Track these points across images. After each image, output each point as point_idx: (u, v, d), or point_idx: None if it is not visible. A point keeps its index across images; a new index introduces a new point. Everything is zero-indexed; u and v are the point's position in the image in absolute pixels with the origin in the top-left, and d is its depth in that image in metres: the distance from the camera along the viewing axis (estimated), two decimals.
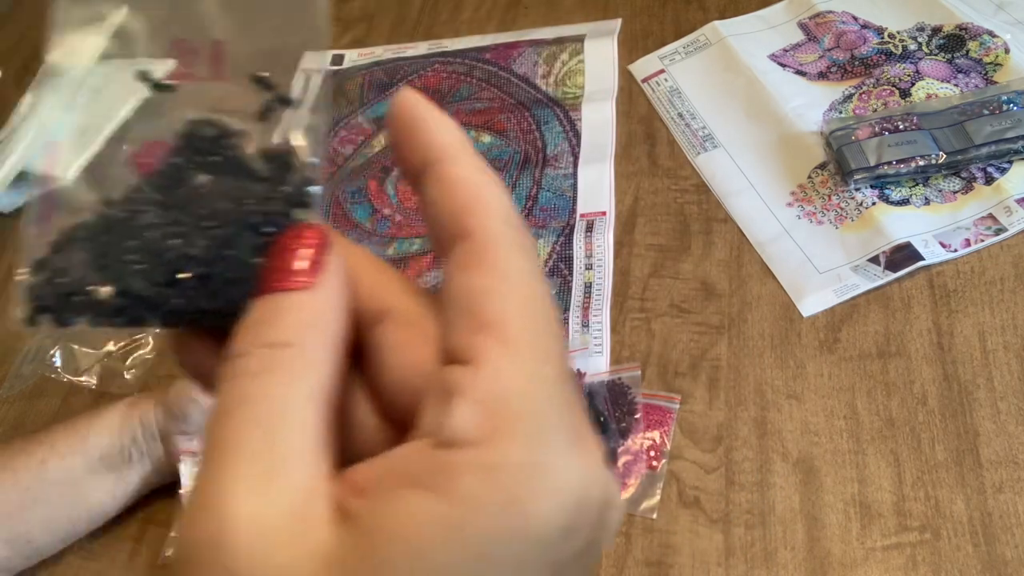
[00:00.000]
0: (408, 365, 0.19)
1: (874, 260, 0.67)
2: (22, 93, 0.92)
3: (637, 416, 0.62)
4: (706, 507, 0.58)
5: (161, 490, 0.63)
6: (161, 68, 0.22)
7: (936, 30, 0.81)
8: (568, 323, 0.68)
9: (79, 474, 0.59)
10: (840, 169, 0.72)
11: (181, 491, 0.60)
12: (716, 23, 0.87)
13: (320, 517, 0.16)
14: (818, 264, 0.68)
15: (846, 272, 0.67)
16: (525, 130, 0.83)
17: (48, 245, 0.20)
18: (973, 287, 0.64)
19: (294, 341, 0.18)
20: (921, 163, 0.69)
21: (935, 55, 0.79)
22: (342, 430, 0.19)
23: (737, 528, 0.57)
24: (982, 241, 0.66)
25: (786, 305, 0.66)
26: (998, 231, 0.67)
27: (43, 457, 0.58)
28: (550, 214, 0.76)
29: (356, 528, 0.16)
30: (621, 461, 0.60)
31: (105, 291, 0.19)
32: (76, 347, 0.73)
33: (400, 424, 0.19)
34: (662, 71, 0.85)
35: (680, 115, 0.81)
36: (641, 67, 0.86)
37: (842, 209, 0.70)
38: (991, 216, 0.68)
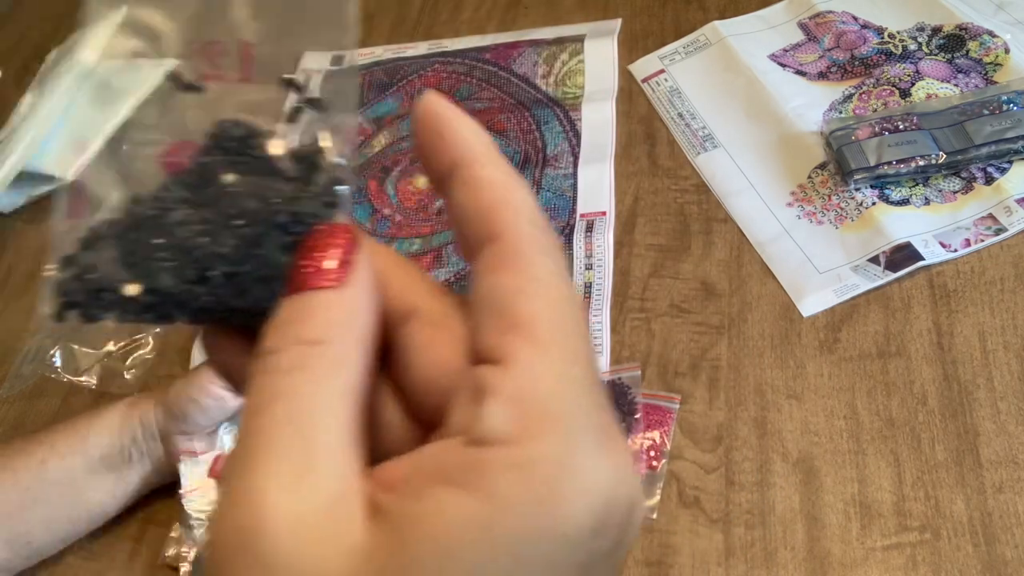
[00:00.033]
0: (435, 364, 0.19)
1: (874, 260, 0.67)
2: (22, 93, 0.92)
3: (637, 416, 0.62)
4: (706, 507, 0.58)
5: (161, 490, 0.63)
6: (189, 69, 0.22)
7: (936, 30, 0.81)
8: None
9: (79, 474, 0.59)
10: (840, 169, 0.72)
11: (181, 491, 0.60)
12: (716, 23, 0.87)
13: (353, 514, 0.16)
14: (818, 264, 0.68)
15: (846, 272, 0.67)
16: (525, 130, 0.83)
17: (77, 242, 0.20)
18: (973, 287, 0.64)
19: (325, 339, 0.18)
20: (921, 163, 0.69)
21: (935, 55, 0.79)
22: (369, 429, 0.19)
23: (737, 528, 0.57)
24: (982, 241, 0.66)
25: (786, 305, 0.66)
26: (998, 231, 0.67)
27: (43, 457, 0.58)
28: (550, 214, 0.76)
29: (387, 525, 0.16)
30: None
31: (134, 288, 0.19)
32: (76, 347, 0.73)
33: (425, 423, 0.19)
34: (662, 71, 0.85)
35: (680, 115, 0.81)
36: (641, 67, 0.86)
37: (842, 209, 0.70)
38: (991, 216, 0.68)
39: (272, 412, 0.17)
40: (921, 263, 0.65)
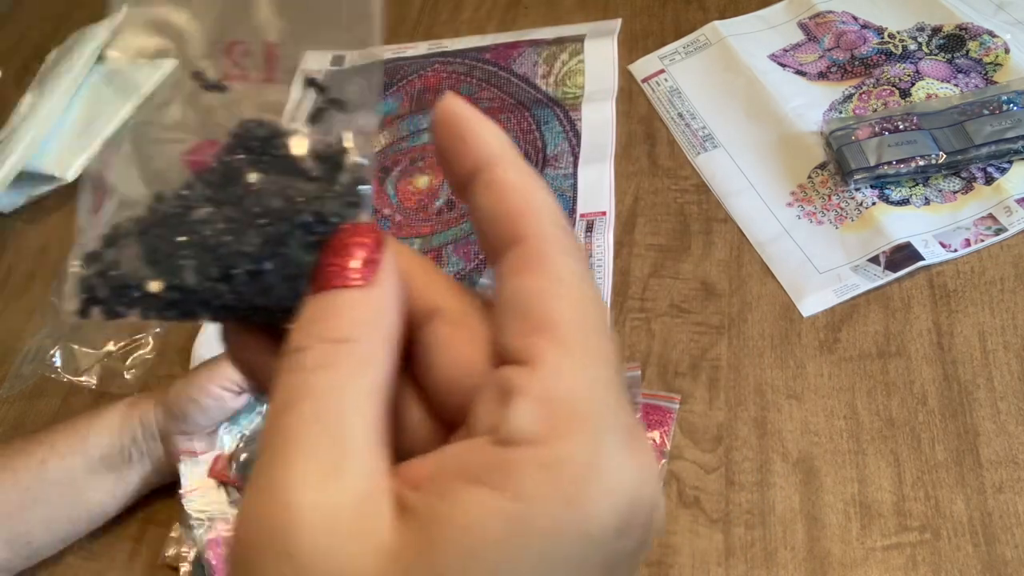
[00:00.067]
0: (458, 364, 0.19)
1: (874, 260, 0.67)
2: (22, 93, 0.92)
3: (637, 416, 0.62)
4: (706, 507, 0.58)
5: (161, 490, 0.63)
6: (213, 68, 0.22)
7: (936, 30, 0.81)
8: None
9: (79, 474, 0.59)
10: (840, 169, 0.72)
11: (181, 491, 0.60)
12: (716, 23, 0.87)
13: (382, 512, 0.16)
14: (818, 264, 0.68)
15: (846, 272, 0.67)
16: (525, 130, 0.83)
17: (100, 238, 0.20)
18: (973, 287, 0.64)
19: (352, 337, 0.18)
20: (921, 163, 0.69)
21: (935, 55, 0.79)
22: (394, 428, 0.19)
23: (737, 528, 0.57)
24: (982, 241, 0.66)
25: (786, 305, 0.66)
26: (998, 231, 0.67)
27: (43, 457, 0.58)
28: None
29: (415, 523, 0.16)
30: None
31: (157, 285, 0.20)
32: (76, 347, 0.73)
33: (447, 422, 0.20)
34: (662, 71, 0.85)
35: (680, 115, 0.81)
36: (641, 67, 0.86)
37: (842, 209, 0.70)
38: (991, 216, 0.68)
39: (299, 410, 0.17)
40: (921, 263, 0.65)
